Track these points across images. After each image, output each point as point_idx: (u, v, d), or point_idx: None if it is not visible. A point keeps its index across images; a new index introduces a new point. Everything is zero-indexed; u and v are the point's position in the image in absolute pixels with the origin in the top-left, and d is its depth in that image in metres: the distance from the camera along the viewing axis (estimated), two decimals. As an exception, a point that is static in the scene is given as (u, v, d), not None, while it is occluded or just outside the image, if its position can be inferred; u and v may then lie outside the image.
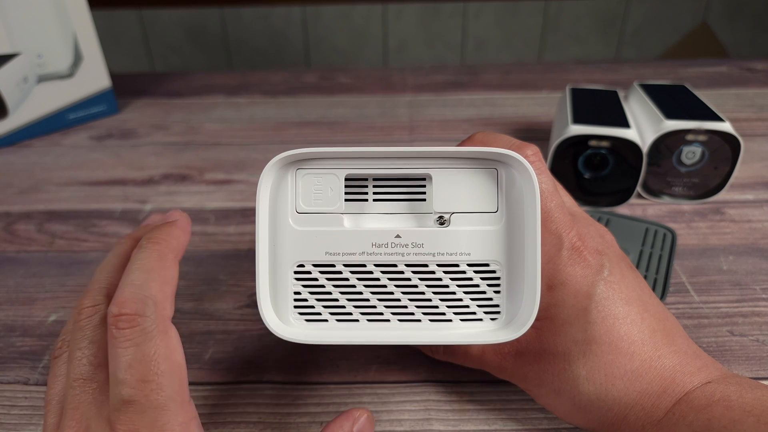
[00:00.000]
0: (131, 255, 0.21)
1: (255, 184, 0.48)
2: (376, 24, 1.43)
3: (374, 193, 0.23)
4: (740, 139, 0.41)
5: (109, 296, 0.22)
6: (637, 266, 0.36)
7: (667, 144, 0.42)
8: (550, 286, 0.23)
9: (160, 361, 0.19)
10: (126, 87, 0.71)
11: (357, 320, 0.23)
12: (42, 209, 0.46)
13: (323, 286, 0.22)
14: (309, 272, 0.22)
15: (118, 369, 0.18)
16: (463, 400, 0.28)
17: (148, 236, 0.22)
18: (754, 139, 0.55)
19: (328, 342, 0.22)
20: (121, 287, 0.20)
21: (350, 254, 0.22)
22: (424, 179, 0.22)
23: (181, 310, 0.34)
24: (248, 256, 0.39)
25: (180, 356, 0.20)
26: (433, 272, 0.22)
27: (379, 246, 0.22)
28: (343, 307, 0.23)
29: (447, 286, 0.22)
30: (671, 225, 0.41)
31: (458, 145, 0.26)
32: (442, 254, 0.22)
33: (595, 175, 0.43)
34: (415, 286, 0.22)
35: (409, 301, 0.22)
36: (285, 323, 0.23)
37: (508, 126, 0.60)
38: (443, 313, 0.22)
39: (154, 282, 0.20)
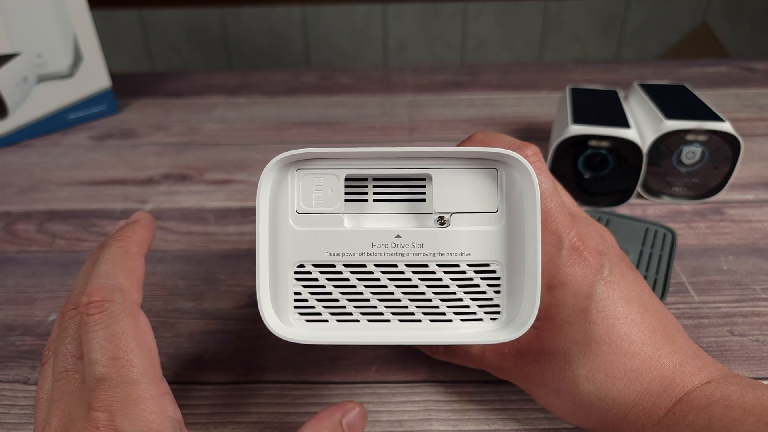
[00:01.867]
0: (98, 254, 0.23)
1: (255, 184, 0.48)
2: (376, 24, 1.43)
3: (374, 194, 0.23)
4: (740, 139, 0.41)
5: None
6: (637, 266, 0.36)
7: (667, 144, 0.42)
8: (550, 286, 0.23)
9: (129, 340, 0.20)
10: (126, 87, 0.71)
11: (357, 320, 0.23)
12: (42, 209, 0.46)
13: (323, 287, 0.22)
14: (309, 272, 0.22)
15: (91, 350, 0.19)
16: (463, 400, 0.28)
17: (112, 236, 0.23)
18: (754, 139, 0.55)
19: (328, 342, 0.22)
20: (90, 281, 0.21)
21: (350, 254, 0.22)
22: (424, 179, 0.22)
23: (181, 310, 0.34)
24: (248, 256, 0.39)
25: (150, 338, 0.21)
26: (433, 272, 0.22)
27: (380, 246, 0.22)
28: (344, 307, 0.23)
29: (447, 286, 0.22)
30: (671, 225, 0.41)
31: (458, 145, 0.26)
32: (443, 254, 0.22)
33: (595, 175, 0.43)
34: (416, 286, 0.22)
35: (409, 301, 0.22)
36: (285, 323, 0.23)
37: (508, 126, 0.60)
38: (443, 313, 0.22)
39: (119, 272, 0.21)
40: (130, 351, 0.20)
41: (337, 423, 0.22)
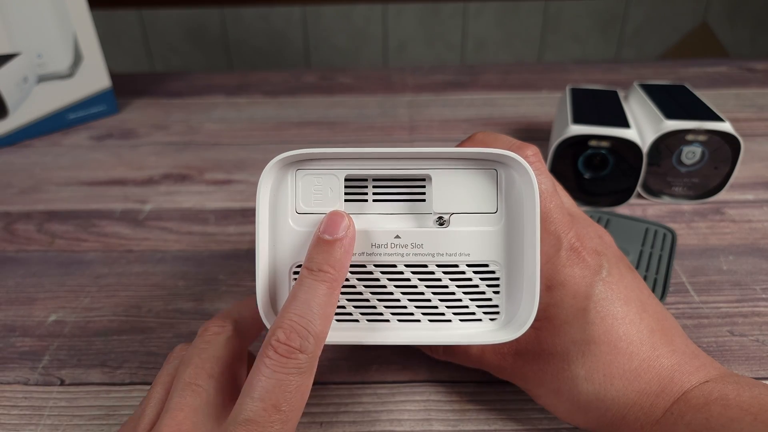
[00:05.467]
0: (299, 278, 0.21)
1: (255, 184, 0.48)
2: (376, 24, 1.43)
3: (374, 194, 0.23)
4: (740, 139, 0.41)
5: (235, 321, 0.24)
6: (637, 266, 0.36)
7: (667, 144, 0.42)
8: (549, 286, 0.23)
9: (298, 397, 0.20)
10: (126, 87, 0.71)
11: (357, 320, 0.23)
12: (42, 209, 0.46)
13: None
14: (309, 272, 0.22)
15: (258, 386, 0.19)
16: (463, 400, 0.28)
17: (316, 261, 0.21)
18: (754, 139, 0.55)
19: (328, 342, 0.22)
20: (287, 314, 0.20)
21: (350, 254, 0.22)
22: (423, 180, 0.22)
23: (181, 310, 0.34)
24: (248, 256, 0.39)
25: (307, 395, 0.20)
26: (432, 273, 0.22)
27: (379, 246, 0.22)
28: (343, 307, 0.23)
29: (446, 287, 0.22)
30: (671, 225, 0.41)
31: (458, 145, 0.26)
32: (442, 255, 0.22)
33: (595, 175, 0.43)
34: (415, 287, 0.22)
35: (408, 302, 0.22)
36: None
37: (508, 126, 0.60)
38: (443, 314, 0.22)
39: (320, 319, 0.20)
40: (292, 409, 0.19)
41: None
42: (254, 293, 0.24)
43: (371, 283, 0.22)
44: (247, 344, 0.25)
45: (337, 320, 0.23)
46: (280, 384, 0.19)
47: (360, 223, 0.22)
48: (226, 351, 0.23)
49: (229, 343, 0.23)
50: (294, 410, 0.20)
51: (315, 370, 0.20)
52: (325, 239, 0.21)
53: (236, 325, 0.24)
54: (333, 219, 0.21)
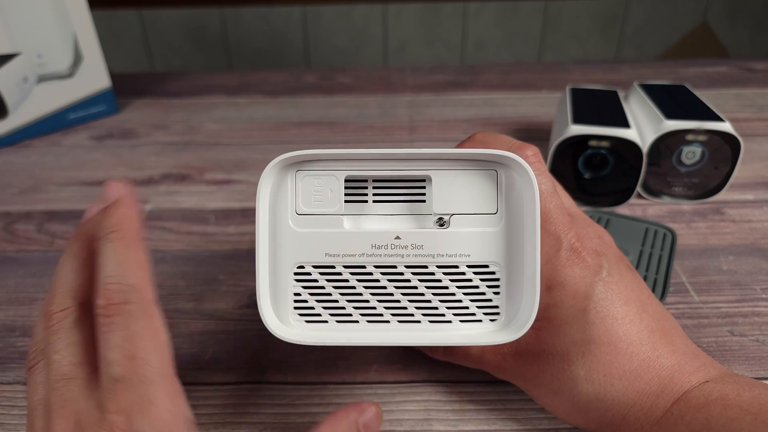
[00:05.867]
0: (96, 250, 0.21)
1: (255, 185, 0.48)
2: (376, 24, 1.43)
3: (374, 195, 0.23)
4: (740, 139, 0.41)
5: (77, 298, 0.22)
6: (637, 266, 0.36)
7: (667, 144, 0.42)
8: (549, 286, 0.23)
9: (146, 340, 0.19)
10: (126, 87, 0.71)
11: (357, 321, 0.23)
12: (42, 209, 0.46)
13: (323, 288, 0.22)
14: (309, 273, 0.22)
15: (108, 350, 0.19)
16: (463, 400, 0.28)
17: (105, 227, 0.22)
18: (754, 139, 0.55)
19: (327, 343, 0.22)
20: (101, 283, 0.20)
21: (350, 255, 0.22)
22: (423, 181, 0.22)
23: (181, 310, 0.34)
24: (248, 256, 0.39)
25: (164, 335, 0.20)
26: (432, 273, 0.22)
27: (379, 247, 0.22)
28: (343, 308, 0.23)
29: (446, 288, 0.22)
30: (671, 225, 0.41)
31: (458, 146, 0.26)
32: (442, 255, 0.22)
33: (595, 175, 0.43)
34: (415, 288, 0.22)
35: (408, 303, 0.22)
36: (285, 324, 0.23)
37: (508, 126, 0.60)
38: (443, 315, 0.22)
39: (129, 270, 0.20)
40: (147, 350, 0.19)
41: (352, 423, 0.22)
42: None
43: (371, 284, 0.22)
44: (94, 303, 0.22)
45: (337, 321, 0.23)
46: (122, 338, 0.19)
47: (360, 224, 0.22)
48: (80, 332, 0.21)
49: (80, 323, 0.21)
50: (150, 352, 0.19)
51: (155, 313, 0.20)
52: (106, 207, 0.22)
53: (77, 298, 0.22)
54: (106, 189, 0.23)
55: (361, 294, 0.22)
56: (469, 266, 0.22)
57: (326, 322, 0.23)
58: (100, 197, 0.24)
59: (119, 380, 0.19)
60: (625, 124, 0.42)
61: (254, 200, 0.34)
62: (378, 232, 0.22)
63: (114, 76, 0.67)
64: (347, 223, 0.22)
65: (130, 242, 0.21)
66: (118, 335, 0.19)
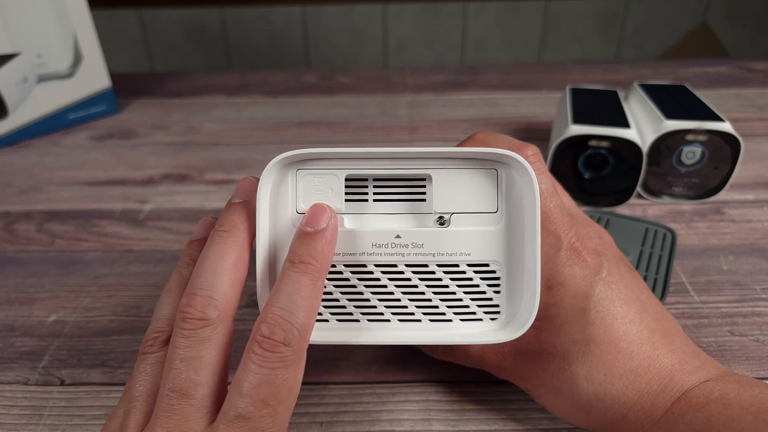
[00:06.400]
0: (281, 272, 0.21)
1: (253, 175, 0.48)
2: (376, 24, 1.43)
3: (374, 194, 0.23)
4: (740, 139, 0.41)
5: (218, 309, 0.21)
6: (637, 266, 0.36)
7: (667, 144, 0.42)
8: (549, 286, 0.23)
9: (285, 391, 0.19)
10: (126, 87, 0.71)
11: (357, 320, 0.23)
12: (42, 209, 0.46)
13: (323, 287, 0.22)
14: (309, 272, 0.22)
15: (245, 382, 0.19)
16: (463, 400, 0.28)
17: (298, 254, 0.21)
18: (754, 139, 0.55)
19: (328, 342, 0.22)
20: (270, 308, 0.20)
21: (350, 254, 0.22)
22: (424, 179, 0.22)
23: (181, 310, 0.34)
24: (248, 256, 0.39)
25: (298, 389, 0.20)
26: (433, 272, 0.22)
27: (380, 246, 0.22)
28: (344, 307, 0.23)
29: (447, 287, 0.22)
30: (671, 225, 0.41)
31: (458, 145, 0.26)
32: (442, 254, 0.22)
33: (595, 175, 0.43)
34: (415, 287, 0.22)
35: (409, 301, 0.22)
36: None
37: (508, 126, 0.60)
38: (443, 313, 0.22)
39: (303, 311, 0.20)
40: (281, 402, 0.19)
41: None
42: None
43: (372, 283, 0.22)
44: (232, 323, 0.22)
45: (338, 320, 0.23)
46: (266, 378, 0.19)
47: (360, 223, 0.22)
48: (210, 350, 0.21)
49: (213, 339, 0.21)
50: (282, 403, 0.19)
51: (303, 362, 0.20)
52: (307, 231, 0.21)
53: (218, 311, 0.21)
54: (315, 211, 0.21)
55: (361, 293, 0.22)
56: (469, 265, 0.22)
57: (327, 320, 0.23)
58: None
59: (243, 418, 0.19)
60: (625, 124, 0.42)
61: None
62: (378, 231, 0.22)
63: (114, 76, 0.67)
64: (348, 222, 0.22)
65: (317, 282, 0.21)
66: (263, 375, 0.19)
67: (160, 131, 0.60)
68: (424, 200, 0.23)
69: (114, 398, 0.29)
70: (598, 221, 0.40)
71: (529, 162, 0.22)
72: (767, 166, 0.50)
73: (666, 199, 0.45)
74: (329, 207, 0.22)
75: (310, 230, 0.21)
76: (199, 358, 0.20)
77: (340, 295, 0.22)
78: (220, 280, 0.21)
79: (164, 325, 0.23)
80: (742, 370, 0.29)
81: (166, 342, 0.22)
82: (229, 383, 0.21)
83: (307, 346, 0.20)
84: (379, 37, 1.45)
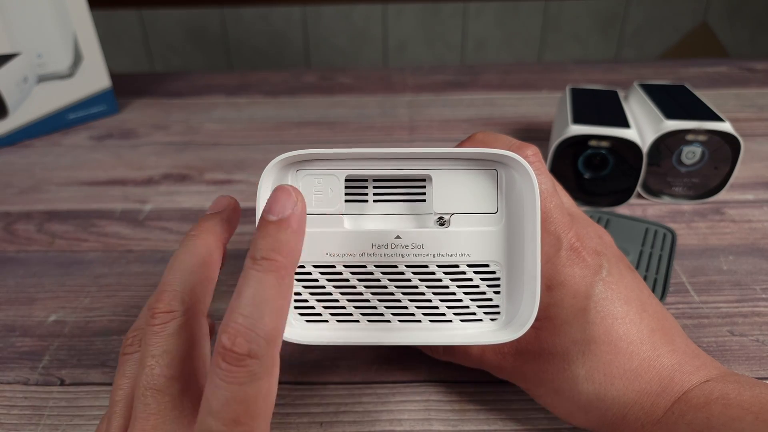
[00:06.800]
0: (243, 272, 0.19)
1: (255, 184, 0.48)
2: (376, 24, 1.43)
3: (374, 194, 0.23)
4: (740, 139, 0.41)
5: (185, 303, 0.21)
6: (637, 266, 0.36)
7: (667, 144, 0.42)
8: (549, 286, 0.23)
9: (258, 404, 0.18)
10: (126, 87, 0.71)
11: (357, 321, 0.23)
12: (42, 209, 0.46)
13: (323, 287, 0.22)
14: (309, 273, 0.22)
15: (214, 400, 0.17)
16: (463, 400, 0.28)
17: (260, 248, 0.19)
18: (754, 139, 0.55)
19: (328, 342, 0.22)
20: (231, 315, 0.18)
21: (350, 255, 0.22)
22: (424, 180, 0.22)
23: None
24: (248, 256, 0.39)
25: (274, 396, 0.19)
26: (433, 273, 0.22)
27: (379, 247, 0.22)
28: (344, 307, 0.23)
29: (447, 287, 0.22)
30: (671, 225, 0.41)
31: (458, 145, 0.26)
32: (442, 255, 0.22)
33: (595, 175, 0.43)
34: (415, 287, 0.22)
35: (409, 302, 0.22)
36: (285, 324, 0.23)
37: (508, 126, 0.60)
38: (443, 314, 0.22)
39: (269, 316, 0.18)
40: (254, 416, 0.18)
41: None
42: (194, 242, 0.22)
43: (372, 284, 0.22)
44: (203, 319, 0.21)
45: (338, 321, 0.23)
46: (234, 395, 0.17)
47: (360, 223, 0.22)
48: (180, 343, 0.20)
49: (183, 332, 0.20)
50: (257, 417, 0.18)
51: (276, 370, 0.18)
52: (270, 220, 0.19)
53: (185, 304, 0.21)
54: (276, 196, 0.19)
55: (361, 293, 0.22)
56: (469, 265, 0.22)
57: (327, 321, 0.23)
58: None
59: None
60: (625, 124, 0.42)
61: (254, 200, 0.34)
62: (378, 232, 0.22)
63: (114, 76, 0.67)
64: (348, 222, 0.22)
65: (284, 280, 0.19)
66: (231, 391, 0.17)
67: (160, 131, 0.60)
68: (424, 201, 0.23)
69: (114, 398, 0.29)
70: (598, 221, 0.40)
71: (528, 162, 0.22)
72: (767, 166, 0.50)
73: (666, 199, 0.45)
74: (294, 188, 0.19)
75: (273, 218, 0.19)
76: (170, 353, 0.19)
77: (340, 295, 0.22)
78: (188, 277, 0.21)
79: (143, 323, 0.22)
80: (742, 370, 0.29)
81: None
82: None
83: (278, 352, 0.18)
84: (379, 37, 1.45)
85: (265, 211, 0.19)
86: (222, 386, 0.17)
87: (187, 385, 0.20)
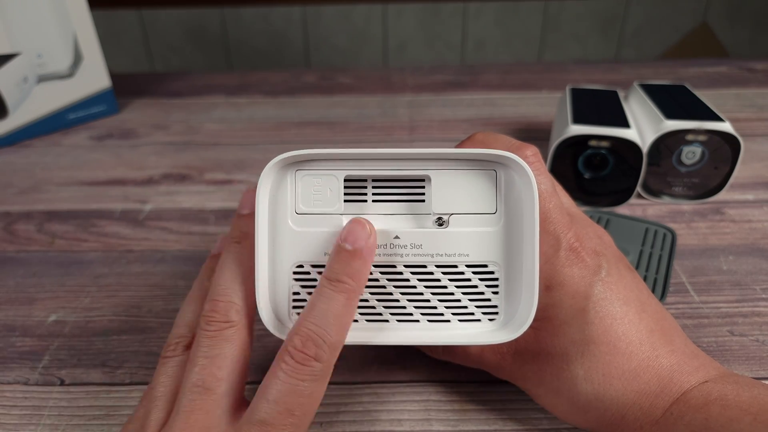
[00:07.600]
0: (318, 287, 0.21)
1: (255, 184, 0.48)
2: (376, 24, 1.43)
3: (373, 195, 0.23)
4: (740, 139, 0.41)
5: (238, 312, 0.22)
6: (637, 266, 0.36)
7: (667, 144, 0.42)
8: (548, 286, 0.23)
9: (311, 402, 0.20)
10: (126, 87, 0.71)
11: (356, 320, 0.23)
12: (42, 209, 0.46)
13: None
14: (308, 273, 0.22)
15: (274, 390, 0.20)
16: (463, 400, 0.28)
17: (335, 271, 0.21)
18: (754, 139, 0.55)
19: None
20: (304, 322, 0.20)
21: (349, 255, 0.22)
22: (423, 180, 0.22)
23: (180, 311, 0.34)
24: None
25: (320, 402, 0.21)
26: (431, 273, 0.22)
27: (378, 247, 0.22)
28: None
29: (445, 287, 0.22)
30: (671, 225, 0.41)
31: (458, 146, 0.26)
32: (441, 255, 0.22)
33: (595, 175, 0.43)
34: (414, 287, 0.22)
35: (407, 302, 0.22)
36: (284, 323, 0.23)
37: (508, 126, 0.60)
38: (442, 314, 0.22)
39: (335, 329, 0.20)
40: (305, 414, 0.20)
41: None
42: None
43: (370, 284, 0.22)
44: (252, 328, 0.23)
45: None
46: (294, 389, 0.20)
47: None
48: (231, 348, 0.22)
49: (235, 339, 0.22)
50: (306, 415, 0.20)
51: (329, 377, 0.21)
52: (346, 249, 0.21)
53: (239, 314, 0.22)
54: (354, 228, 0.21)
55: (360, 293, 0.22)
56: (468, 266, 0.22)
57: (326, 321, 0.23)
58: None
59: (266, 424, 0.20)
60: (625, 124, 0.42)
61: (254, 200, 0.34)
62: (377, 232, 0.22)
63: (114, 76, 0.67)
64: (347, 222, 0.22)
65: (351, 302, 0.21)
66: (291, 385, 0.20)
67: (160, 131, 0.60)
68: (423, 201, 0.23)
69: (114, 398, 0.29)
70: (598, 221, 0.40)
71: (528, 162, 0.22)
72: (767, 166, 0.50)
73: (666, 199, 0.45)
74: (368, 223, 0.22)
75: (349, 248, 0.21)
76: (222, 356, 0.21)
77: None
78: (239, 286, 0.23)
79: (185, 331, 0.24)
80: (742, 370, 0.29)
81: (187, 347, 0.23)
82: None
83: (334, 362, 0.21)
84: (379, 37, 1.45)
85: (342, 239, 0.21)
86: (284, 379, 0.20)
87: (232, 387, 0.21)
